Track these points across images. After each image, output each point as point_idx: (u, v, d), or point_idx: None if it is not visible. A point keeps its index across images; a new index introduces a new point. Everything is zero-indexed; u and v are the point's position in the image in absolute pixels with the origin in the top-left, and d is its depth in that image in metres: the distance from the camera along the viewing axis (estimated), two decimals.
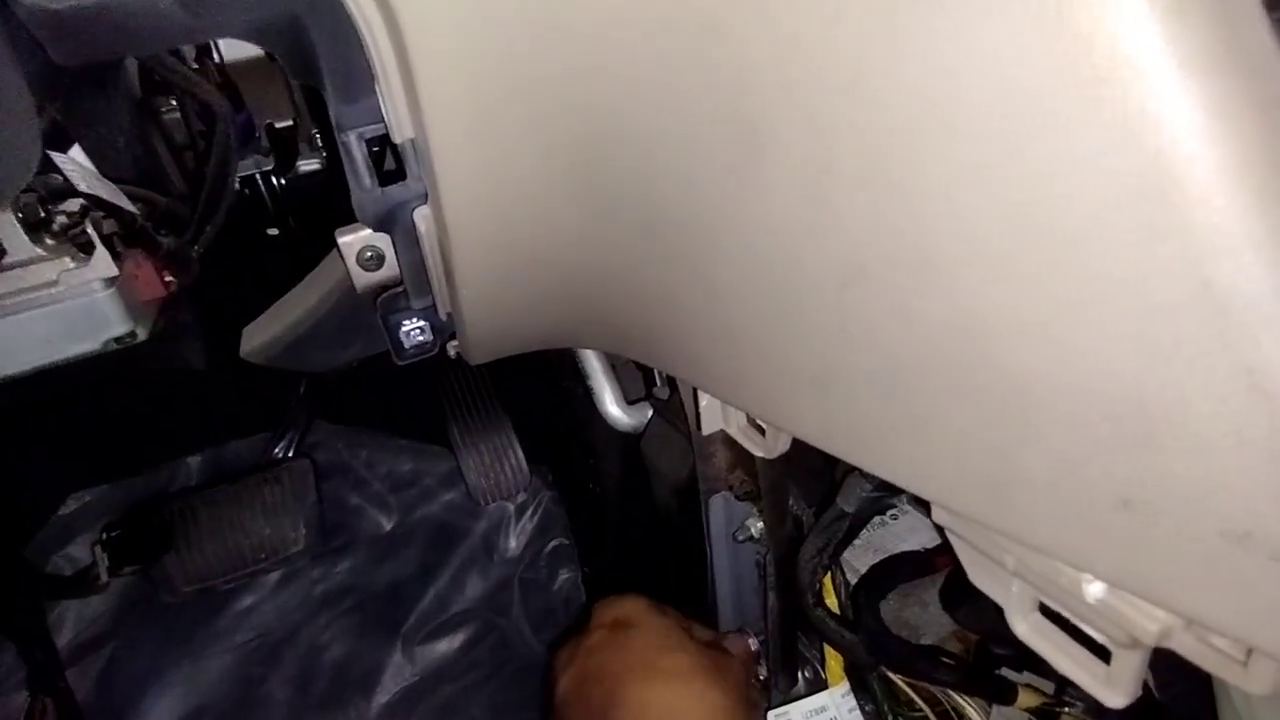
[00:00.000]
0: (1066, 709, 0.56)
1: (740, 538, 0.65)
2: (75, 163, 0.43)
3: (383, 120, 0.36)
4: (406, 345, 0.49)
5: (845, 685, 0.63)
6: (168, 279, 0.45)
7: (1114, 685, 0.32)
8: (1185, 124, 0.20)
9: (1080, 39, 0.21)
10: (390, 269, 0.44)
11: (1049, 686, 0.57)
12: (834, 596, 0.60)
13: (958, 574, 0.42)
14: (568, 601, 1.14)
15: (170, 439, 1.05)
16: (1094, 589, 0.30)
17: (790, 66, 0.27)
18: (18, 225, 0.38)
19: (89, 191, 0.41)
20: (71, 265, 0.40)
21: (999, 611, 0.36)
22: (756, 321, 0.36)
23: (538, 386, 0.95)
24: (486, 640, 1.11)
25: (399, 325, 0.48)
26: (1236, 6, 0.21)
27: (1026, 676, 0.58)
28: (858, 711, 0.62)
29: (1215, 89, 0.20)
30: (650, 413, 0.73)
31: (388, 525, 1.12)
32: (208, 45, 0.55)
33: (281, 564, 0.98)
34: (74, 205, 0.40)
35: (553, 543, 1.15)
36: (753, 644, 0.65)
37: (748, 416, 0.48)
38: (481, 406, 0.94)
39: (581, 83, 0.33)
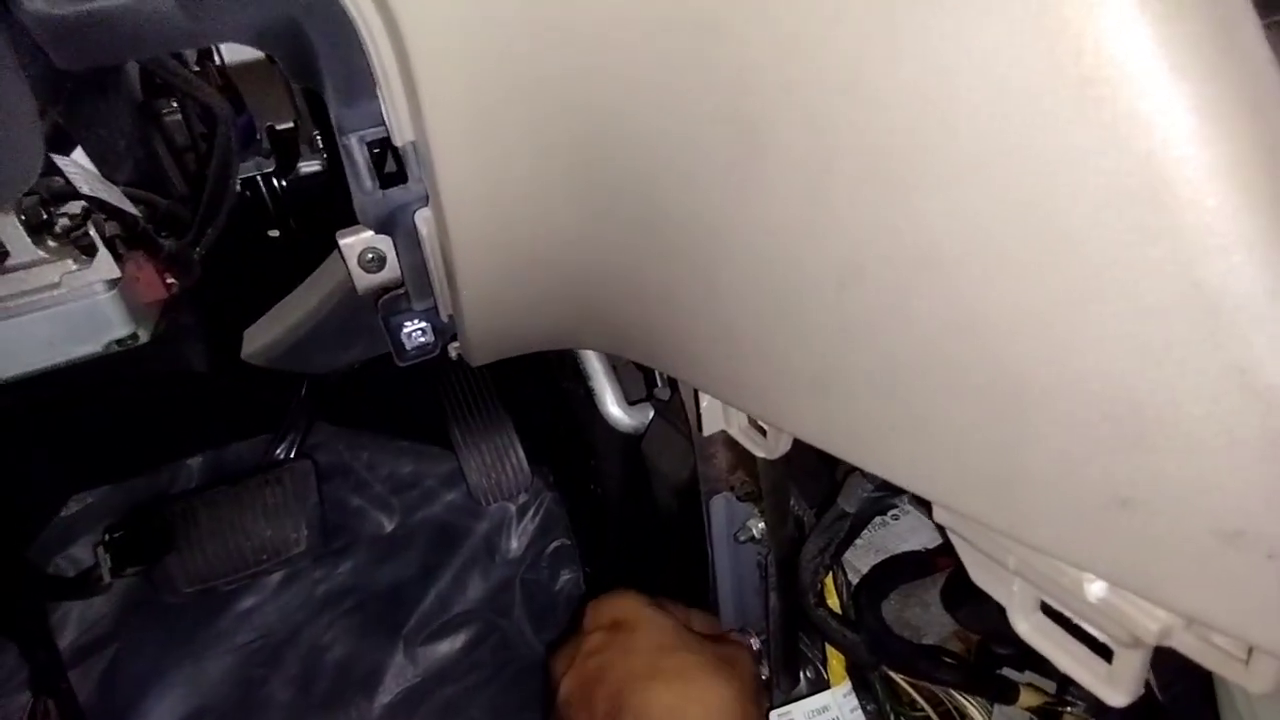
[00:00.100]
0: (1068, 708, 0.56)
1: (741, 538, 0.65)
2: (78, 165, 0.44)
3: (383, 123, 0.36)
4: (408, 347, 0.49)
5: (847, 685, 0.63)
6: (169, 281, 0.45)
7: (1116, 684, 0.32)
8: (1176, 126, 0.20)
9: (1071, 39, 0.21)
10: (391, 271, 0.44)
11: (1051, 686, 0.57)
12: (835, 597, 0.60)
13: (959, 574, 0.42)
14: (569, 602, 1.14)
15: (172, 440, 1.05)
16: (1095, 588, 0.30)
17: (790, 66, 0.27)
18: (20, 227, 0.38)
19: (91, 194, 0.41)
20: (73, 267, 0.40)
21: (1001, 611, 0.36)
22: (756, 321, 0.36)
23: (539, 387, 0.95)
24: (488, 641, 1.11)
25: (400, 327, 0.48)
26: (1226, 8, 0.21)
27: (1028, 676, 0.58)
28: (860, 711, 0.62)
29: (1205, 91, 0.20)
30: (651, 414, 0.74)
31: (389, 526, 1.12)
32: (209, 48, 0.56)
33: (283, 565, 0.98)
34: (76, 208, 0.40)
35: (554, 543, 1.15)
36: (754, 644, 0.65)
37: (749, 417, 0.48)
38: (483, 407, 0.94)
39: (581, 83, 0.34)
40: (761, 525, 0.63)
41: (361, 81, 0.35)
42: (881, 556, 0.59)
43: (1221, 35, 0.20)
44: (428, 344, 0.49)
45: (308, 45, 0.33)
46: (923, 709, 0.61)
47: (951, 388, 0.29)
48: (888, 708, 0.61)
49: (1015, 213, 0.24)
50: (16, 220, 0.38)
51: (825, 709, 0.63)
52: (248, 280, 0.64)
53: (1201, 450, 0.23)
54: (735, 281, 0.36)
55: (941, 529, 0.37)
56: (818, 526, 0.55)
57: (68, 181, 0.40)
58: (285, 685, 1.05)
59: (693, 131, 0.32)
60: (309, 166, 0.66)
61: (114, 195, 0.43)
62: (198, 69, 0.56)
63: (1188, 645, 0.29)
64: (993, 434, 0.28)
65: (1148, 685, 0.33)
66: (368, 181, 0.39)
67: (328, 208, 0.63)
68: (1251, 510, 0.23)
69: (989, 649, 0.59)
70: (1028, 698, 0.57)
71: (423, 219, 0.41)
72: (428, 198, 0.40)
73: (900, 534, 0.61)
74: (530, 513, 1.15)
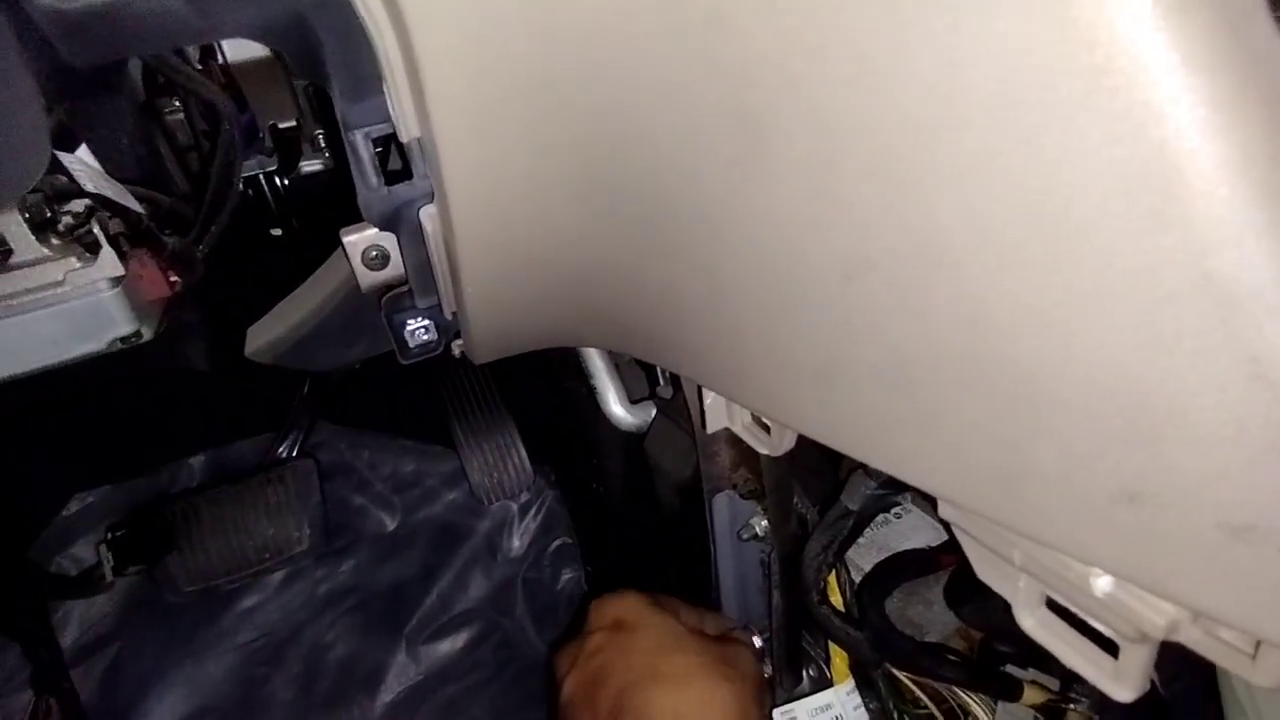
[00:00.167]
0: (1072, 705, 0.56)
1: (745, 536, 0.65)
2: (82, 163, 0.44)
3: (389, 119, 0.36)
4: (411, 345, 0.49)
5: (850, 683, 0.63)
6: (173, 279, 0.45)
7: (1122, 679, 0.32)
8: (1188, 116, 0.20)
9: (1084, 29, 0.21)
10: (395, 268, 0.44)
11: (1054, 683, 0.57)
12: (839, 594, 0.60)
13: (963, 570, 0.42)
14: (571, 601, 1.14)
15: (174, 439, 1.05)
16: (1101, 583, 0.30)
17: (795, 58, 0.27)
18: (24, 225, 0.38)
19: (95, 191, 0.41)
20: (77, 265, 0.40)
21: (1005, 607, 0.36)
22: (760, 316, 0.36)
23: (541, 386, 0.95)
24: (490, 640, 1.11)
25: (404, 324, 0.48)
26: (1238, 0, 0.21)
27: (1032, 673, 0.58)
28: (863, 709, 0.62)
29: (1218, 82, 0.20)
30: (654, 412, 0.74)
31: (391, 525, 1.12)
32: (212, 46, 0.56)
33: (285, 564, 0.98)
34: (80, 205, 0.40)
35: (556, 542, 1.15)
36: (757, 642, 0.65)
37: (752, 414, 0.48)
38: (484, 406, 0.94)
39: (587, 80, 0.34)
40: (765, 523, 0.63)
41: (367, 77, 0.35)
42: (885, 554, 0.59)
43: (1234, 26, 0.20)
44: (431, 342, 0.49)
45: (314, 40, 0.33)
46: (926, 707, 0.61)
47: (958, 381, 0.29)
48: (891, 705, 0.61)
49: (1025, 203, 0.24)
50: (20, 218, 0.38)
51: (828, 707, 0.63)
52: (250, 278, 0.64)
53: (1211, 442, 0.23)
54: (739, 276, 0.36)
55: (946, 525, 0.37)
56: (821, 524, 0.55)
57: (72, 179, 0.40)
58: (287, 684, 1.05)
59: (698, 126, 0.32)
60: (311, 165, 0.66)
61: (118, 193, 0.43)
62: (201, 67, 0.56)
63: (1194, 640, 0.29)
64: (999, 428, 0.28)
65: (1151, 681, 0.33)
66: (373, 178, 0.39)
67: (330, 206, 0.63)
68: (1261, 503, 0.23)
69: (992, 646, 0.59)
70: (1031, 695, 0.57)
71: (428, 215, 0.41)
72: (433, 194, 0.40)
73: (903, 532, 0.61)
74: (532, 511, 1.15)
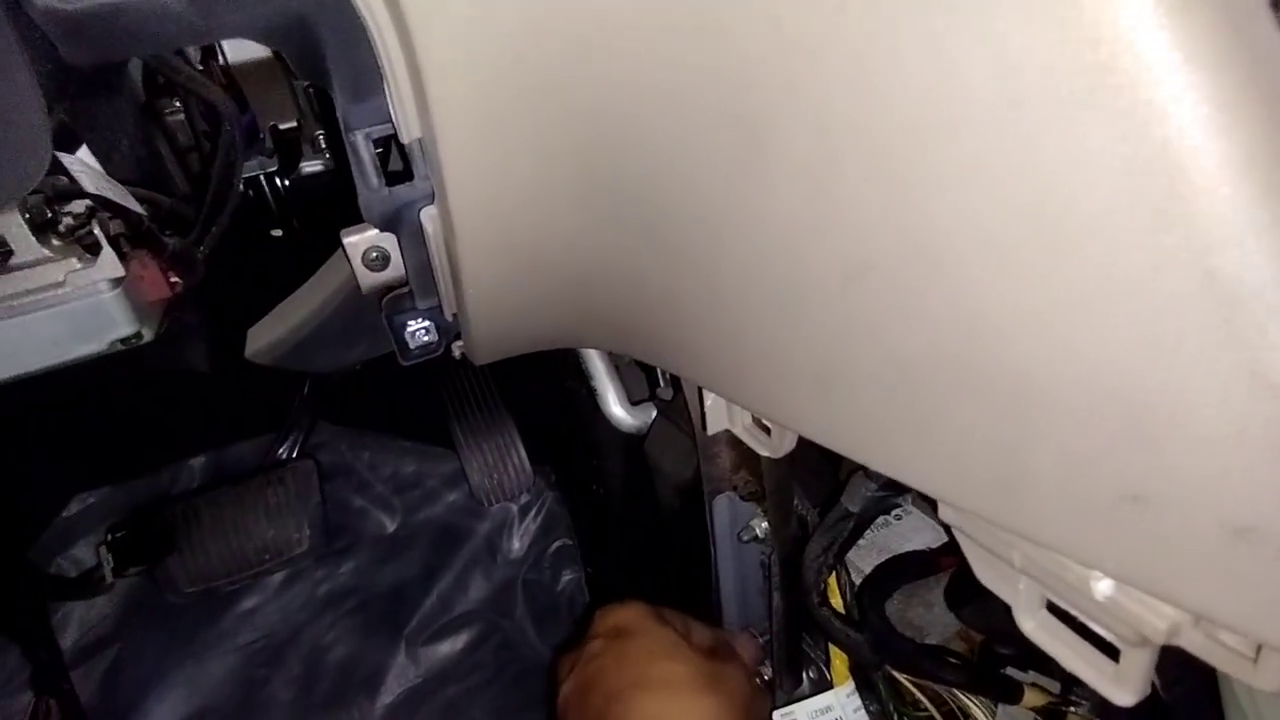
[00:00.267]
0: (1072, 708, 0.56)
1: (745, 538, 0.65)
2: (83, 163, 0.44)
3: (390, 120, 0.36)
4: (411, 346, 0.49)
5: (850, 685, 0.63)
6: (173, 280, 0.45)
7: (1123, 683, 0.32)
8: (1191, 115, 0.20)
9: (1086, 28, 0.21)
10: (396, 269, 0.44)
11: (1055, 685, 0.57)
12: (839, 596, 0.60)
13: (963, 573, 0.42)
14: (571, 602, 1.14)
15: (174, 440, 1.05)
16: (1102, 586, 0.30)
17: (793, 63, 0.27)
18: (25, 226, 0.38)
19: (96, 192, 0.41)
20: (78, 266, 0.40)
21: (1005, 610, 0.36)
22: (760, 319, 0.36)
23: (541, 387, 0.95)
24: (490, 641, 1.11)
25: (404, 326, 0.48)
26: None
27: (1032, 676, 0.58)
28: (863, 711, 0.62)
29: (1220, 80, 0.20)
30: (654, 413, 0.74)
31: (391, 526, 1.12)
32: (213, 47, 0.56)
33: (285, 565, 0.98)
34: (80, 206, 0.40)
35: (556, 543, 1.15)
36: (759, 642, 0.65)
37: (753, 416, 0.48)
38: (485, 407, 0.94)
39: (587, 85, 0.34)
40: (765, 525, 0.63)
41: (369, 78, 0.35)
42: (885, 556, 0.59)
43: (1236, 25, 0.20)
44: (431, 343, 0.49)
45: (316, 41, 0.33)
46: (926, 709, 0.60)
47: (958, 384, 0.28)
48: (891, 708, 0.61)
49: (1026, 203, 0.24)
50: (21, 218, 0.38)
51: (828, 709, 0.63)
52: (251, 279, 0.64)
53: (1213, 444, 0.23)
54: (739, 279, 0.36)
55: (947, 527, 0.37)
56: (821, 526, 0.55)
57: (72, 180, 0.40)
58: (287, 685, 1.05)
59: (697, 130, 0.32)
60: (312, 166, 0.66)
61: (118, 194, 0.43)
62: (201, 68, 0.56)
63: (1195, 643, 0.29)
64: (1001, 431, 0.28)
65: (1152, 685, 0.33)
66: (373, 179, 0.39)
67: (331, 207, 0.63)
68: (1263, 506, 0.23)
69: (992, 649, 0.59)
70: (1032, 697, 0.57)
71: (428, 217, 0.41)
72: (433, 195, 0.40)
73: (904, 533, 0.61)
74: (532, 513, 1.15)
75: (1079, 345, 0.25)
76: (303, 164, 0.66)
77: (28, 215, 0.38)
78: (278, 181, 0.66)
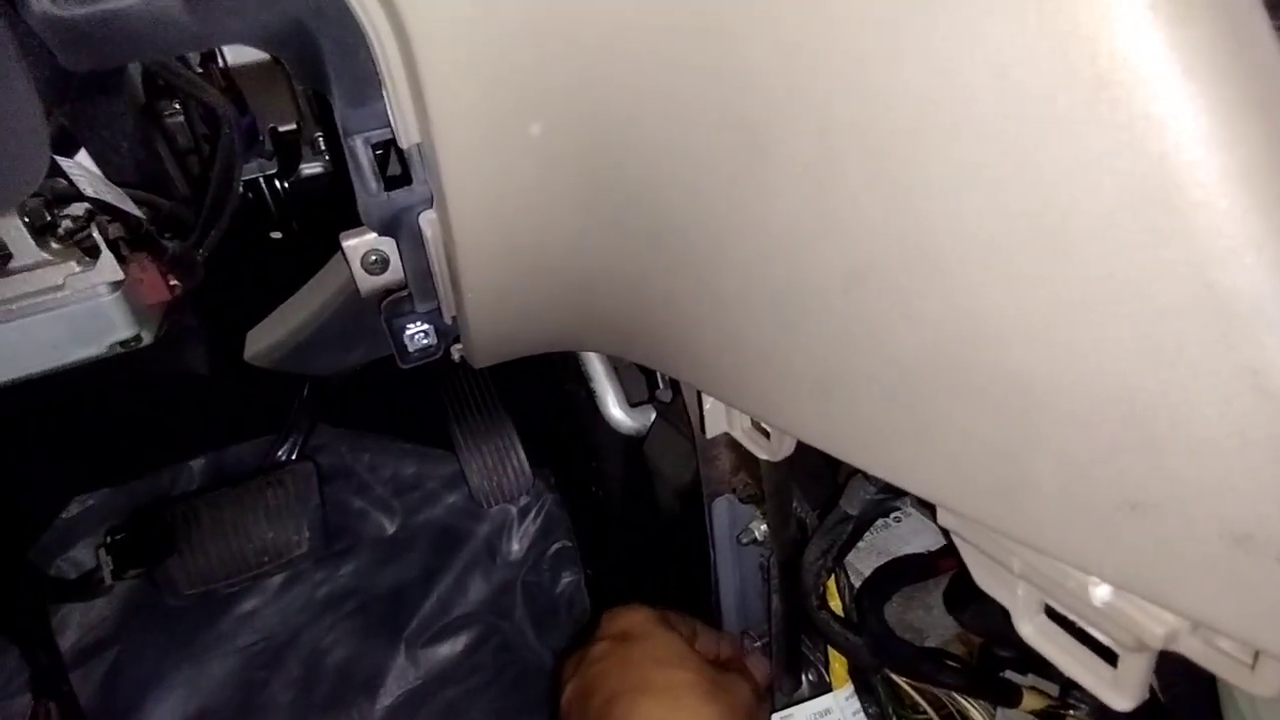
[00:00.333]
0: (1071, 712, 0.56)
1: (744, 540, 0.65)
2: (81, 167, 0.44)
3: (389, 125, 0.36)
4: (411, 349, 0.49)
5: (849, 688, 0.63)
6: (172, 283, 0.45)
7: (1120, 688, 0.32)
8: (1189, 128, 0.20)
9: (1084, 42, 0.21)
10: (395, 273, 0.44)
11: (1054, 689, 0.57)
12: (838, 599, 0.59)
13: (962, 576, 0.42)
14: (570, 604, 1.14)
15: (173, 442, 1.05)
16: (1100, 592, 0.30)
17: (794, 69, 0.27)
18: (24, 229, 0.38)
19: (95, 196, 0.41)
20: (77, 269, 0.40)
21: (1004, 614, 0.36)
22: (760, 324, 0.36)
23: (540, 389, 0.95)
24: (489, 643, 1.11)
25: (403, 329, 0.48)
26: (1238, 11, 0.21)
27: (1031, 679, 0.58)
28: (862, 714, 0.62)
29: (1218, 93, 0.20)
30: (653, 416, 0.74)
31: (390, 528, 1.12)
32: (212, 50, 0.56)
33: (284, 567, 0.98)
34: (79, 209, 0.40)
35: (555, 546, 1.15)
36: (756, 645, 0.65)
37: (752, 419, 0.48)
38: (484, 409, 0.94)
39: (587, 89, 0.34)
40: (764, 527, 0.63)
41: (367, 83, 0.35)
42: (884, 559, 0.59)
43: (1234, 38, 0.20)
44: (430, 346, 0.49)
45: (314, 47, 0.33)
46: (925, 712, 0.60)
47: (957, 390, 0.29)
48: (890, 710, 0.61)
49: (1025, 214, 0.24)
50: (20, 222, 0.38)
51: (827, 712, 0.63)
52: (250, 282, 0.64)
53: (1213, 452, 0.23)
54: (739, 284, 0.36)
55: (945, 532, 0.37)
56: (820, 529, 0.55)
57: (71, 183, 0.40)
58: (286, 687, 1.05)
59: (698, 136, 0.32)
60: (311, 168, 0.66)
61: (117, 197, 0.43)
62: (201, 71, 0.56)
63: (1193, 649, 0.29)
64: (998, 437, 0.28)
65: (1150, 688, 0.33)
66: (372, 183, 0.39)
67: (331, 209, 0.63)
68: (1262, 512, 0.23)
69: (992, 652, 0.59)
70: (1031, 701, 0.56)
71: (427, 221, 0.41)
72: (432, 200, 0.40)
73: (903, 536, 0.61)
74: (531, 515, 1.15)
75: (1079, 351, 0.25)
76: (302, 166, 0.66)
77: (27, 219, 0.38)
78: (277, 184, 0.66)
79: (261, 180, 0.65)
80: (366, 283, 0.44)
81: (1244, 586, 0.24)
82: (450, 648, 1.10)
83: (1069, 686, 0.56)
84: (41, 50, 0.30)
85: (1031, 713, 0.57)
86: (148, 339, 0.43)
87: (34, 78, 0.30)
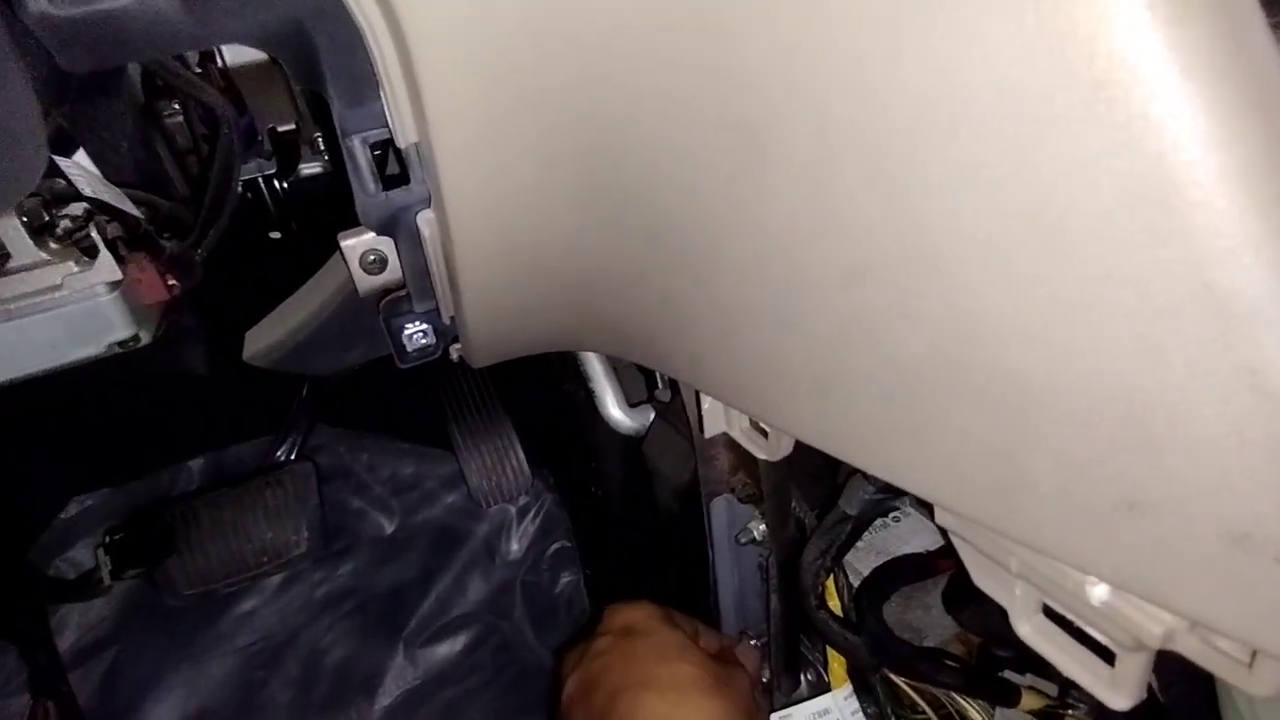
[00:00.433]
0: (1069, 711, 0.56)
1: (743, 540, 0.65)
2: (80, 167, 0.44)
3: (386, 125, 0.36)
4: (409, 349, 0.49)
5: (848, 687, 0.63)
6: (171, 283, 0.45)
7: (1118, 687, 0.32)
8: (1186, 128, 0.20)
9: (1082, 42, 0.21)
10: (393, 272, 0.44)
11: (1052, 689, 0.57)
12: (836, 599, 0.60)
13: (960, 576, 0.42)
14: (570, 604, 1.14)
15: (172, 443, 1.05)
16: (1098, 591, 0.30)
17: (792, 69, 0.27)
18: (22, 229, 0.38)
19: (93, 196, 0.41)
20: (75, 269, 0.40)
21: (1002, 613, 0.36)
22: (758, 324, 0.36)
23: (539, 389, 0.95)
24: (488, 643, 1.11)
25: (401, 329, 0.48)
26: (1236, 11, 0.21)
27: (1029, 679, 0.58)
28: (860, 714, 0.62)
29: (1215, 93, 0.20)
30: (652, 415, 0.74)
31: (389, 528, 1.12)
32: (211, 50, 0.56)
33: (283, 567, 0.98)
34: (78, 209, 0.40)
35: (554, 545, 1.15)
36: (755, 644, 0.65)
37: (750, 419, 0.48)
38: (483, 409, 0.94)
39: (585, 88, 0.34)
40: (763, 527, 0.63)
41: (365, 83, 0.35)
42: (883, 559, 0.59)
43: (1232, 37, 0.20)
44: (429, 346, 0.49)
45: (312, 47, 0.33)
46: (924, 711, 0.60)
47: (955, 390, 0.29)
48: (889, 710, 0.61)
49: (1024, 214, 0.24)
50: (18, 222, 0.38)
51: (826, 712, 0.63)
52: (249, 282, 0.64)
53: (1211, 452, 0.23)
54: (738, 284, 0.36)
55: (943, 531, 0.37)
56: (819, 528, 0.55)
57: (70, 183, 0.40)
58: (285, 687, 1.05)
59: (696, 136, 0.32)
60: (310, 168, 0.66)
61: (116, 197, 0.43)
62: (199, 70, 0.56)
63: (1191, 648, 0.29)
64: (996, 437, 0.28)
65: (1149, 687, 0.33)
66: (370, 183, 0.39)
67: (330, 209, 0.63)
68: (1260, 512, 0.23)
69: (990, 651, 0.59)
70: (1029, 700, 0.57)
71: (425, 221, 0.41)
72: (430, 199, 0.40)
73: (901, 536, 0.61)
74: (530, 515, 1.15)
75: (1077, 351, 0.25)
76: (301, 166, 0.66)
77: (25, 218, 0.38)
78: (276, 184, 0.66)
79: (260, 180, 0.65)
80: (365, 282, 0.45)
81: (1242, 586, 0.24)
82: (449, 647, 1.10)
83: (1067, 686, 0.57)
84: (39, 50, 0.30)
85: (1030, 712, 0.57)
86: (146, 339, 0.43)
87: (31, 78, 0.30)
